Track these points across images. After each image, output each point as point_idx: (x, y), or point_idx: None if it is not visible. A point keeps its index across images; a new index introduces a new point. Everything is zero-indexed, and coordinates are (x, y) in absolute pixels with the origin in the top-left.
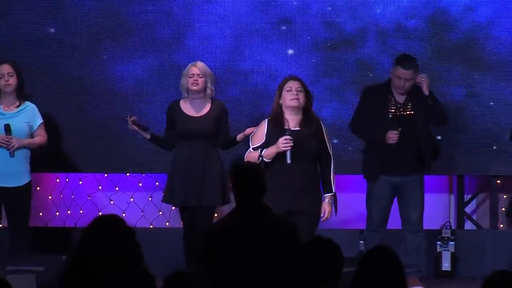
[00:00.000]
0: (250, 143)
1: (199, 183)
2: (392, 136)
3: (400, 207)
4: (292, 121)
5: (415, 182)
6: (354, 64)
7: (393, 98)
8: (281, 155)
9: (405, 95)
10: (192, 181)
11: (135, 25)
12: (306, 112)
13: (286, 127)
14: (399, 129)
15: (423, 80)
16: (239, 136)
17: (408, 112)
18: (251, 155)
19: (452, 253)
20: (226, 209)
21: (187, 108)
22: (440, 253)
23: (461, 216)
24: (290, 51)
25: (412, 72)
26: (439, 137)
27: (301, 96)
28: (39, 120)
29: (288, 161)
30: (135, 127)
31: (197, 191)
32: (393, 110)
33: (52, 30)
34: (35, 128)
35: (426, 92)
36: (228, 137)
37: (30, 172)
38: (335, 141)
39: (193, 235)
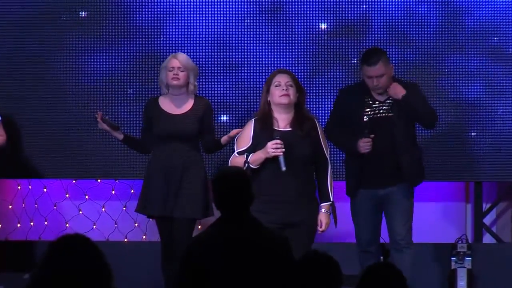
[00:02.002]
0: (235, 147)
1: (177, 191)
2: (364, 145)
3: (386, 221)
4: (282, 120)
5: (398, 193)
6: (356, 56)
7: (369, 99)
8: (270, 161)
9: (385, 94)
10: (170, 188)
11: (105, 10)
12: (298, 110)
13: (275, 128)
14: (371, 135)
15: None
16: (224, 139)
17: (385, 114)
18: (235, 161)
19: (468, 270)
20: (212, 221)
21: (166, 105)
22: (455, 270)
23: (478, 228)
24: (283, 41)
25: (380, 65)
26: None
27: (292, 91)
28: None
29: (283, 168)
30: (105, 126)
31: (174, 200)
32: (369, 112)
33: (13, 19)
34: None
35: (398, 96)
36: (213, 139)
37: None
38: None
39: (172, 251)
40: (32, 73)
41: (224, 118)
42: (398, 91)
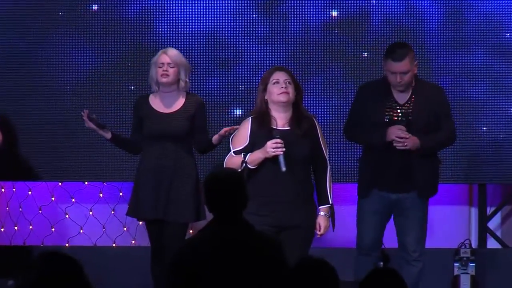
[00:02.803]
0: (230, 146)
1: (168, 193)
2: (395, 131)
3: (396, 229)
4: (280, 119)
5: (410, 201)
6: (355, 52)
7: (392, 98)
8: (268, 161)
9: (408, 92)
10: (161, 191)
11: (92, 4)
12: (296, 108)
13: (273, 127)
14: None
15: (404, 142)
16: (215, 138)
17: (405, 118)
18: (232, 161)
19: (472, 276)
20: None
21: (156, 103)
22: (457, 277)
23: (483, 232)
24: (278, 37)
25: (407, 61)
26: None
27: (291, 89)
28: None
29: (283, 168)
30: (92, 125)
31: (165, 203)
32: (390, 113)
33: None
34: None
35: (408, 147)
36: (206, 139)
37: None
38: (331, 144)
39: (162, 255)
40: (14, 71)
41: (217, 116)
42: (415, 144)
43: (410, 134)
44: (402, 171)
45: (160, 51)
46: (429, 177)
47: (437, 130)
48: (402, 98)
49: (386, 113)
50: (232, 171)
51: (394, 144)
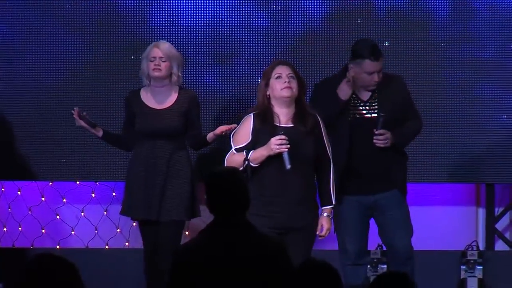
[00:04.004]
0: (231, 144)
1: (162, 191)
2: (343, 87)
3: (380, 234)
4: (283, 115)
5: (390, 201)
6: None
7: (353, 95)
8: (272, 159)
9: (368, 92)
10: (154, 189)
11: None
12: (300, 104)
13: (276, 124)
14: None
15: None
16: (209, 136)
17: (369, 115)
18: (234, 159)
19: (479, 279)
20: (201, 224)
21: (148, 99)
22: (464, 280)
23: (490, 234)
24: (279, 30)
25: (381, 60)
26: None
27: (294, 83)
28: None
29: (288, 166)
30: (83, 123)
31: (158, 202)
32: (354, 111)
33: None
34: None
35: (388, 144)
36: (199, 135)
37: None
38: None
39: (156, 257)
40: (5, 69)
41: (213, 112)
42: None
43: (385, 130)
44: (375, 171)
45: (152, 44)
46: (405, 174)
47: (404, 120)
48: (365, 95)
49: (350, 111)
50: (234, 170)
51: (377, 144)
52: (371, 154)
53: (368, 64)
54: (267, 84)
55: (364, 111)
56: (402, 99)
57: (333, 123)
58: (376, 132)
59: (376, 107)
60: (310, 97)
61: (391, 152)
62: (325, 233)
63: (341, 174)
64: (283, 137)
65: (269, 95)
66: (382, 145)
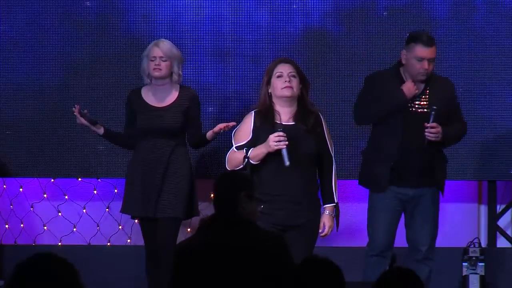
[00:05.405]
0: (233, 141)
1: (161, 189)
2: (409, 86)
3: (407, 227)
4: (284, 114)
5: (427, 197)
6: (361, 43)
7: None
8: (272, 157)
9: (421, 84)
10: (153, 187)
11: None
12: (302, 102)
13: (277, 122)
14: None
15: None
16: (209, 134)
17: (420, 110)
18: (234, 156)
19: (481, 276)
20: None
21: (149, 97)
22: (466, 277)
23: (492, 231)
24: (280, 27)
25: (435, 48)
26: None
27: (295, 83)
28: None
29: (286, 163)
30: (84, 121)
31: (156, 200)
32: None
33: None
34: None
35: (439, 138)
36: (199, 133)
37: None
38: (336, 139)
39: (157, 254)
40: (7, 66)
41: (213, 109)
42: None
43: (437, 124)
44: (421, 165)
45: (152, 43)
46: (445, 174)
47: (448, 124)
48: (417, 87)
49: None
50: (242, 174)
51: (428, 137)
52: (419, 148)
53: (420, 48)
54: (269, 82)
55: (417, 105)
56: (450, 99)
57: (387, 118)
58: (428, 125)
59: (427, 101)
60: (361, 89)
61: (436, 151)
62: (327, 232)
63: (390, 165)
64: (281, 134)
65: (270, 93)
66: (433, 139)
